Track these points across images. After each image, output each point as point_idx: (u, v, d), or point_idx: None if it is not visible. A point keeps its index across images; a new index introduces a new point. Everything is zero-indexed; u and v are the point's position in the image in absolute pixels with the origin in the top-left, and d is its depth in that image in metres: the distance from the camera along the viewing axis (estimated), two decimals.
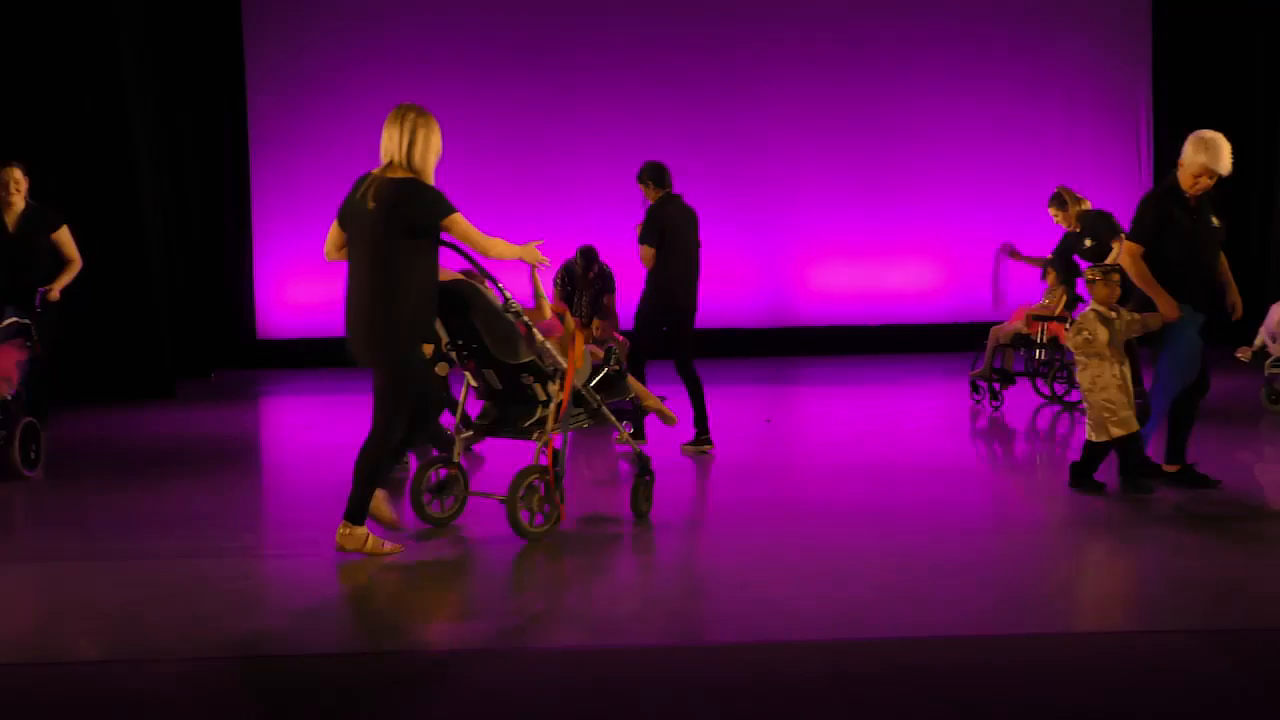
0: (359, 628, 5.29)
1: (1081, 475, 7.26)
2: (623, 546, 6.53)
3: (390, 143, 6.01)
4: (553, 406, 6.48)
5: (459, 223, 6.00)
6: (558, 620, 5.30)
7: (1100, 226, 10.31)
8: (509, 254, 6.21)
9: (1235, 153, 13.23)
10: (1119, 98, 14.86)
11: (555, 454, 6.45)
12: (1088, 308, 7.18)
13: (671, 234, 8.93)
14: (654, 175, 9.20)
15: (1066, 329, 10.33)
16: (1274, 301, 10.55)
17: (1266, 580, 5.58)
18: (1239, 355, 10.41)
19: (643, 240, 8.93)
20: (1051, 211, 10.55)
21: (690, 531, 6.72)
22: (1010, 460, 8.90)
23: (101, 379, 12.02)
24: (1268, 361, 10.22)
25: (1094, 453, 7.22)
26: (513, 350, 6.42)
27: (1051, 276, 10.52)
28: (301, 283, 14.25)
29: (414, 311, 5.99)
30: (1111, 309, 7.10)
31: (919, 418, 10.16)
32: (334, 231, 6.17)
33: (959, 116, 14.67)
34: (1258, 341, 10.34)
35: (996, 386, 10.40)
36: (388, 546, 6.17)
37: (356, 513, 6.08)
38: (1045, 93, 14.75)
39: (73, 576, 5.94)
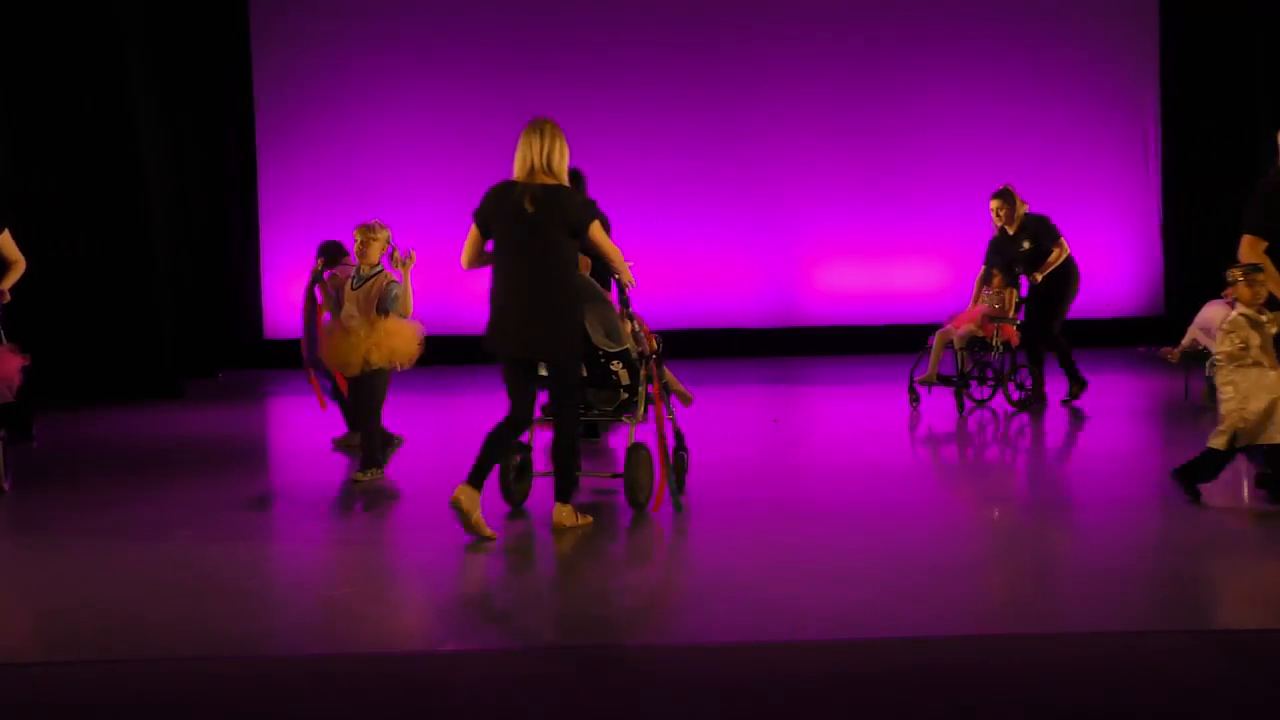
0: (363, 628, 5.29)
1: (1188, 478, 6.78)
2: (624, 545, 6.53)
3: (531, 151, 6.39)
4: (642, 390, 7.01)
5: (597, 228, 6.52)
6: (558, 619, 5.30)
7: (1043, 231, 10.26)
8: (618, 264, 6.71)
9: (1240, 153, 13.25)
10: (1126, 97, 14.82)
11: (662, 429, 6.93)
12: (1235, 312, 6.67)
13: None
14: (573, 180, 9.29)
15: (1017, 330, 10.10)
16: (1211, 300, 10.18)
17: (1269, 580, 5.57)
18: (1165, 354, 10.16)
19: None
20: (995, 205, 10.33)
21: (693, 531, 6.71)
22: (1013, 462, 8.88)
23: (108, 379, 12.04)
24: (1209, 361, 9.74)
25: (1215, 460, 6.71)
26: (616, 339, 6.87)
27: (998, 279, 10.20)
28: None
29: (577, 305, 6.56)
30: (1261, 311, 6.61)
31: (924, 418, 10.13)
32: (476, 239, 6.53)
33: (965, 116, 14.65)
34: (1186, 340, 10.00)
35: (940, 391, 10.21)
36: (581, 520, 6.55)
37: (565, 493, 6.54)
38: (1052, 92, 14.72)
39: (77, 576, 5.95)
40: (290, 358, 14.22)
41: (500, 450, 6.50)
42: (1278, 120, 13.74)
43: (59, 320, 11.50)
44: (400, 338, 7.86)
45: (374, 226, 8.01)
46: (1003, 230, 10.38)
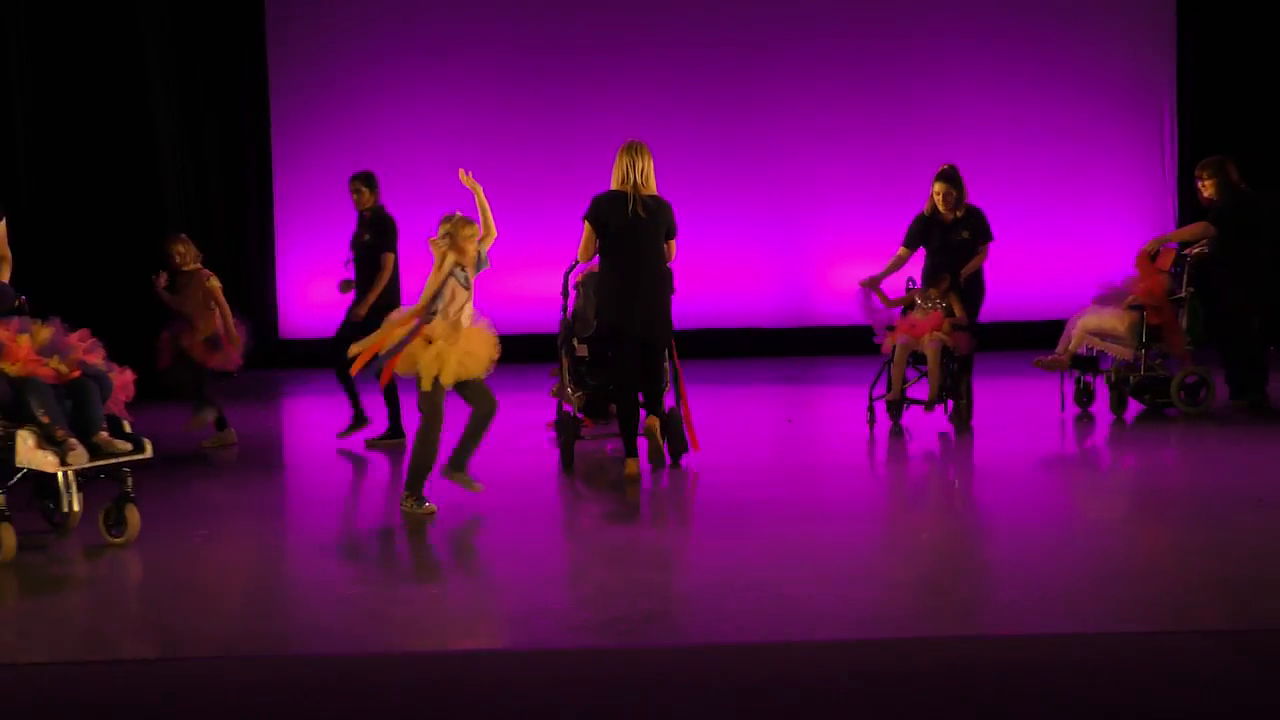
0: (375, 628, 5.29)
1: None
2: (640, 545, 6.53)
3: (631, 168, 7.73)
4: (670, 368, 8.13)
5: None
6: (574, 620, 5.29)
7: (983, 226, 9.64)
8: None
9: (1260, 155, 13.07)
10: (1142, 97, 14.77)
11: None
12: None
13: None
14: (374, 181, 9.57)
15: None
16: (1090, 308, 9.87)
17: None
18: (1048, 363, 9.69)
19: (388, 249, 9.38)
20: (942, 188, 9.53)
21: (707, 530, 6.71)
22: (1029, 460, 8.85)
23: None
24: (1113, 365, 9.63)
25: None
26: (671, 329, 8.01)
27: (945, 282, 9.43)
28: (323, 282, 14.25)
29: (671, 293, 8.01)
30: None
31: (940, 418, 10.09)
32: (592, 237, 7.75)
33: (979, 115, 14.61)
34: (1075, 345, 9.59)
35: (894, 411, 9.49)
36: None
37: (660, 409, 7.94)
38: (1067, 90, 14.67)
39: (92, 575, 5.96)
40: (305, 358, 14.29)
41: (636, 411, 7.77)
42: None
43: (75, 318, 11.51)
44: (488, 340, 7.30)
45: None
46: (936, 214, 9.60)
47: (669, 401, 8.21)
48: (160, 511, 7.29)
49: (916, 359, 9.46)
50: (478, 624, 5.28)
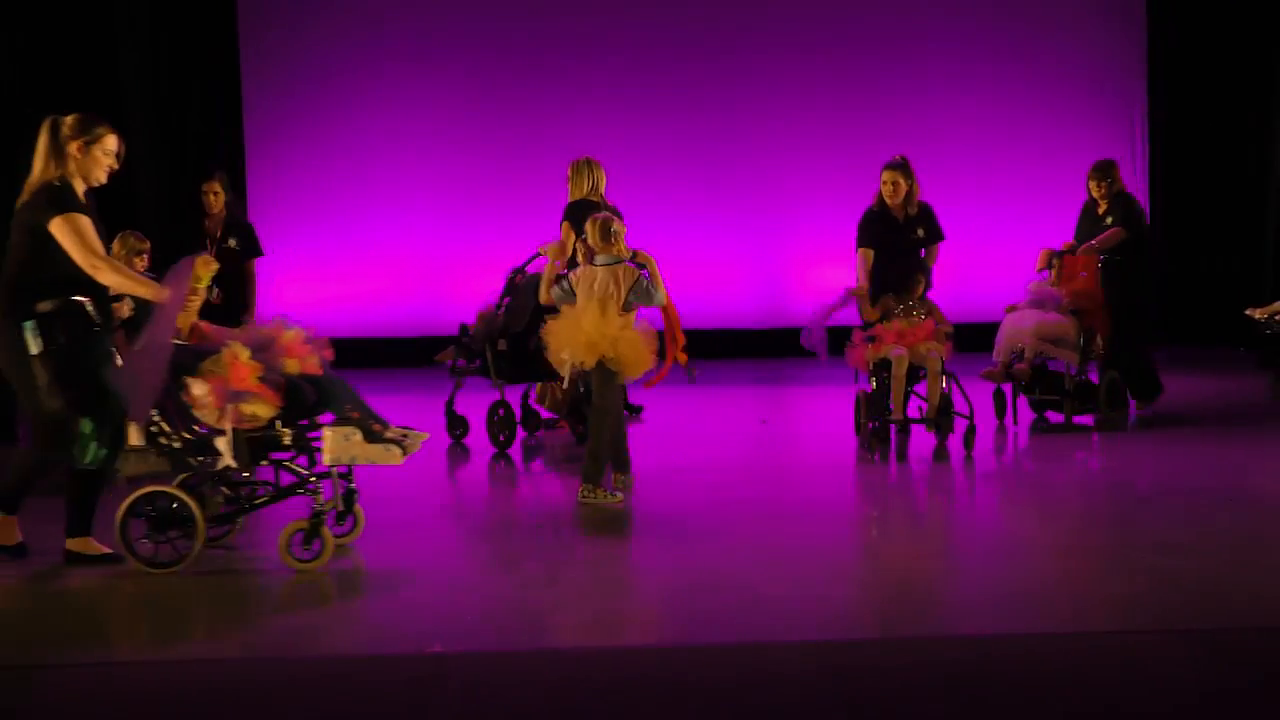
0: (353, 631, 5.29)
1: None
2: (617, 547, 6.54)
3: (592, 179, 8.69)
4: None
5: None
6: (553, 621, 5.30)
7: (935, 223, 9.27)
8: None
9: (1229, 151, 13.13)
10: (1114, 98, 14.86)
11: None
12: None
13: None
14: (228, 184, 9.73)
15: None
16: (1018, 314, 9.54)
17: (1252, 580, 5.57)
18: (999, 375, 9.35)
19: (256, 254, 9.99)
20: (897, 178, 9.07)
21: (686, 532, 6.71)
22: (1004, 464, 8.89)
23: None
24: (1064, 372, 9.37)
25: None
26: None
27: (922, 285, 8.81)
28: (305, 285, 14.22)
29: None
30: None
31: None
32: (572, 240, 8.23)
33: (954, 114, 14.67)
34: (1030, 353, 9.21)
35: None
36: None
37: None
38: (1040, 91, 14.75)
39: (82, 578, 5.93)
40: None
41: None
42: (1268, 121, 13.88)
43: None
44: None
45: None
46: (886, 209, 9.14)
47: None
48: None
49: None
50: (452, 626, 5.27)
